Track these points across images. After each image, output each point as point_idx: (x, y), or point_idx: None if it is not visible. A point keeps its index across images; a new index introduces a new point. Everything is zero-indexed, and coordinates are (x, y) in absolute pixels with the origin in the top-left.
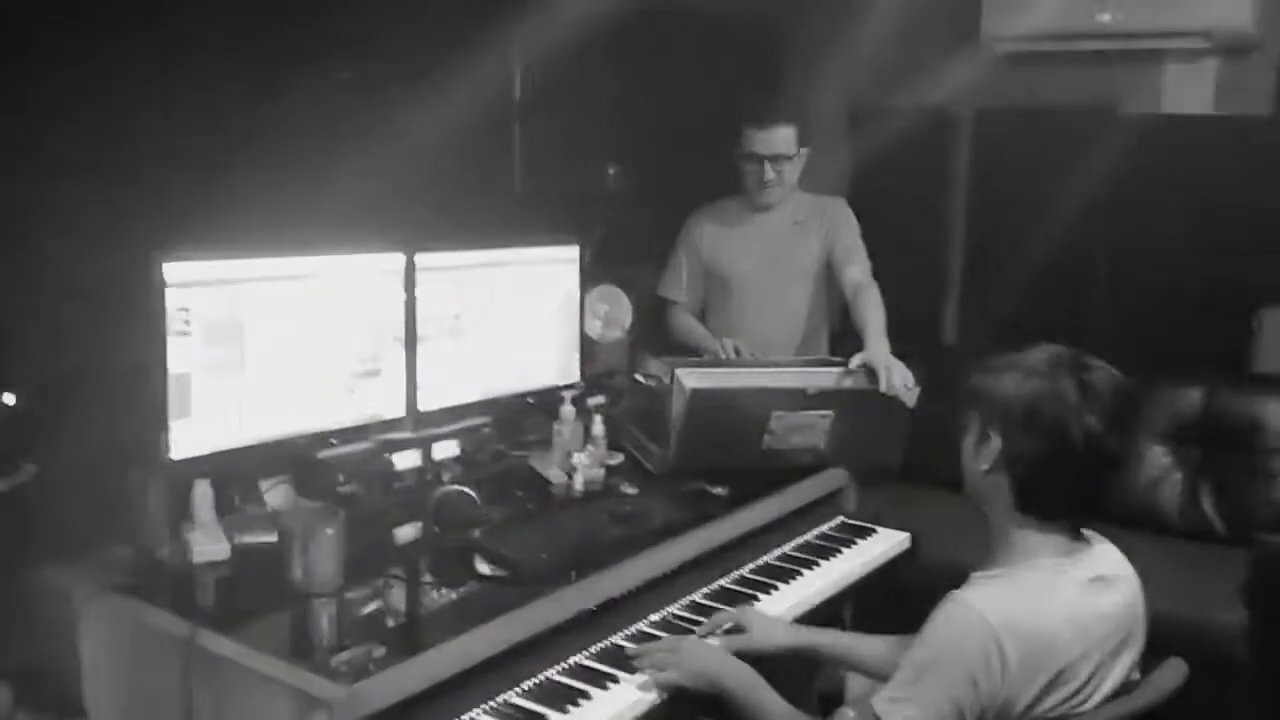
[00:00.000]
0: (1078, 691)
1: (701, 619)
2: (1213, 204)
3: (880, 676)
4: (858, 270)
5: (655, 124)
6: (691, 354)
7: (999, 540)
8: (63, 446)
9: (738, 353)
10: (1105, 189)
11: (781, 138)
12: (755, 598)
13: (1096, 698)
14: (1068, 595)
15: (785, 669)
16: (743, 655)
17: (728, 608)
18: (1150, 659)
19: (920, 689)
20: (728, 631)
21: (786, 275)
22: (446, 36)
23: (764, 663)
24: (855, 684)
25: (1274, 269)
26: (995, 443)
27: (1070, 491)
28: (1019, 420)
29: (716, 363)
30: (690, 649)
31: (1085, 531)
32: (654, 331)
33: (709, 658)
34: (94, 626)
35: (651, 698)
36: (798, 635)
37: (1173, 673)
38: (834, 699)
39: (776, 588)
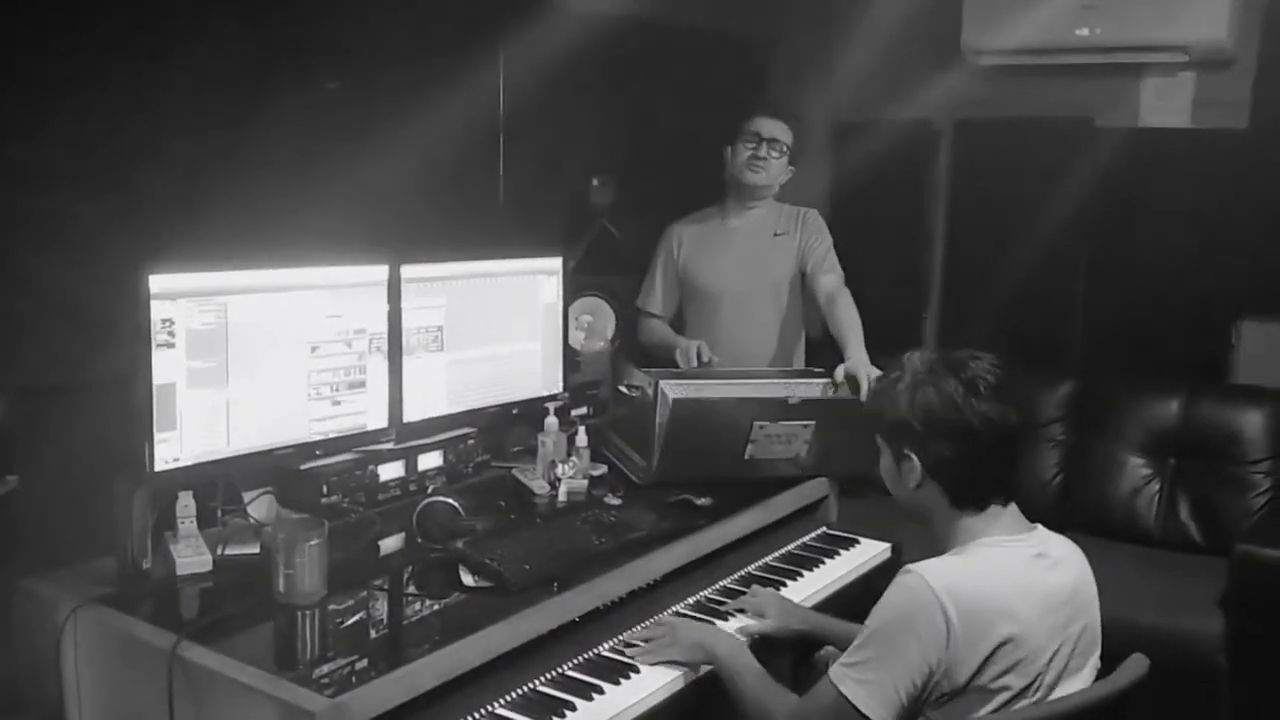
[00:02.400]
0: (1032, 668)
1: (699, 622)
2: (1190, 216)
3: None
4: (832, 280)
5: (639, 137)
6: (665, 360)
7: (947, 535)
8: (46, 457)
9: (700, 356)
10: (1084, 201)
11: (783, 129)
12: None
13: (1058, 694)
14: (1010, 565)
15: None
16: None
17: (712, 617)
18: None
19: (871, 654)
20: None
21: (764, 286)
22: (432, 48)
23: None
24: None
25: (1252, 281)
26: (913, 460)
27: (991, 472)
28: (924, 431)
29: (699, 373)
30: (683, 625)
31: (1039, 527)
32: (637, 342)
33: (701, 630)
34: (77, 637)
35: (637, 709)
36: (809, 620)
37: (1135, 667)
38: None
39: None
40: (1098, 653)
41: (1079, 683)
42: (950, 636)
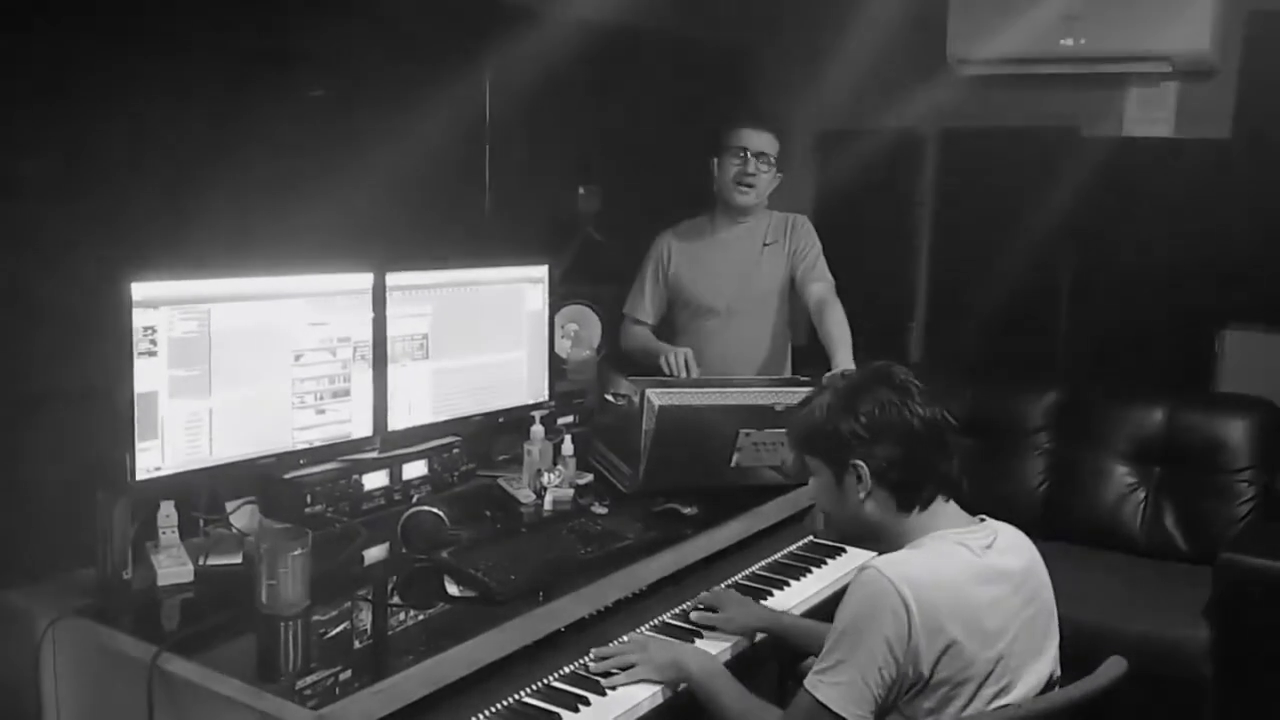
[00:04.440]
0: (992, 653)
1: (670, 639)
2: (1174, 226)
3: None
4: (822, 287)
5: (625, 145)
6: (646, 366)
7: (896, 541)
8: (26, 466)
9: (688, 367)
10: (1069, 210)
11: (769, 140)
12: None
13: (1024, 680)
14: (962, 554)
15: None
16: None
17: (684, 622)
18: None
19: (842, 655)
20: (704, 610)
21: (754, 296)
22: (418, 56)
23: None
24: None
25: (1235, 290)
26: (862, 468)
27: (934, 470)
28: (869, 437)
29: (685, 382)
30: (654, 643)
31: (986, 518)
32: (619, 347)
33: (673, 648)
34: (56, 650)
35: None
36: (765, 617)
37: (1113, 668)
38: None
39: None
40: (1055, 641)
41: (1042, 666)
42: (911, 625)
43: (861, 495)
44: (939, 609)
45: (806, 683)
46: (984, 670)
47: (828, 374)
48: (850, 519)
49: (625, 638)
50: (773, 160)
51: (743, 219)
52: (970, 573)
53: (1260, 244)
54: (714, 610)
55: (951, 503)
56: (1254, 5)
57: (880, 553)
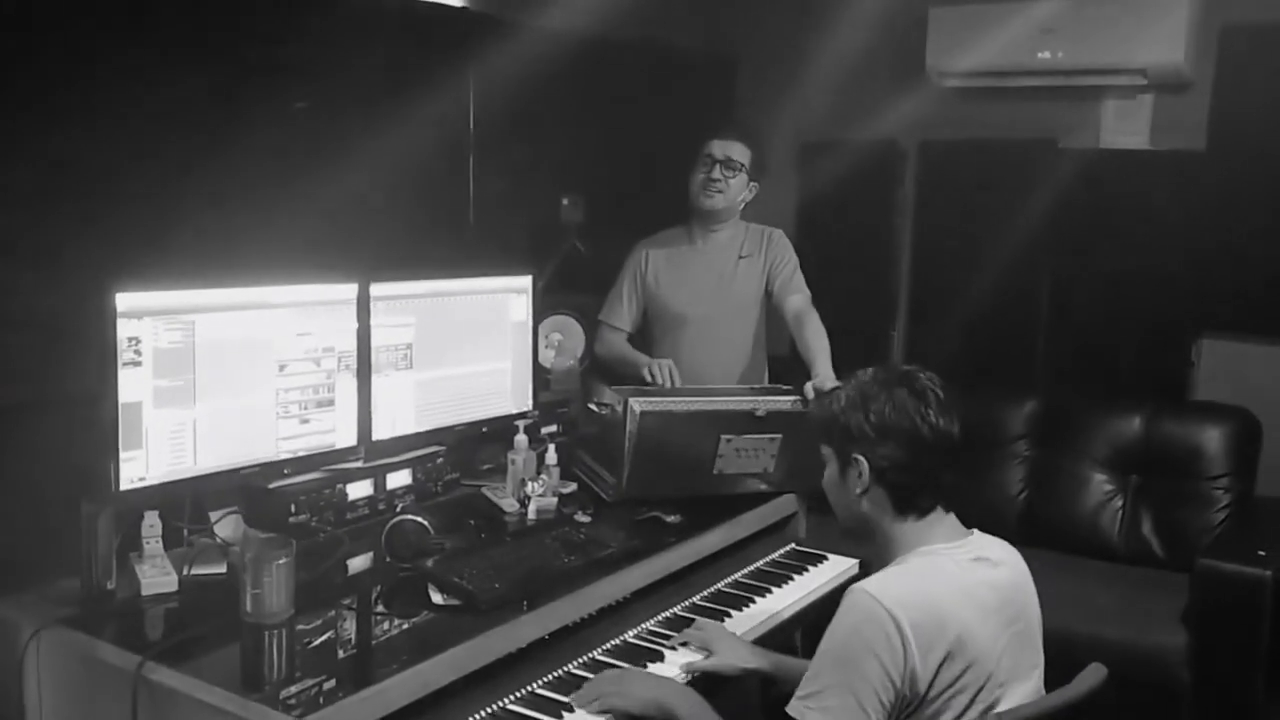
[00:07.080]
0: (983, 668)
1: (655, 645)
2: (1150, 236)
3: None
4: (799, 299)
5: (609, 156)
6: (620, 374)
7: (888, 545)
8: (9, 476)
9: (671, 377)
10: (1047, 220)
11: (738, 149)
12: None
13: (1010, 697)
14: (952, 570)
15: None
16: (705, 674)
17: (661, 644)
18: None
19: (830, 680)
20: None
21: (731, 307)
22: (402, 68)
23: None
24: None
25: (1210, 299)
26: (862, 464)
27: (935, 480)
28: (875, 436)
29: (669, 391)
30: (636, 677)
31: (975, 532)
32: (597, 356)
33: (656, 684)
34: (40, 660)
35: None
36: (759, 658)
37: (1093, 676)
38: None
39: (729, 614)
40: (1041, 658)
41: (1029, 685)
42: (907, 649)
43: (858, 491)
44: (930, 628)
45: (791, 710)
46: (974, 684)
47: (808, 383)
48: (848, 512)
49: (600, 675)
50: (742, 167)
51: (716, 227)
52: (956, 588)
53: (1234, 254)
54: (706, 650)
55: (951, 515)
56: (1228, 19)
57: (863, 563)
